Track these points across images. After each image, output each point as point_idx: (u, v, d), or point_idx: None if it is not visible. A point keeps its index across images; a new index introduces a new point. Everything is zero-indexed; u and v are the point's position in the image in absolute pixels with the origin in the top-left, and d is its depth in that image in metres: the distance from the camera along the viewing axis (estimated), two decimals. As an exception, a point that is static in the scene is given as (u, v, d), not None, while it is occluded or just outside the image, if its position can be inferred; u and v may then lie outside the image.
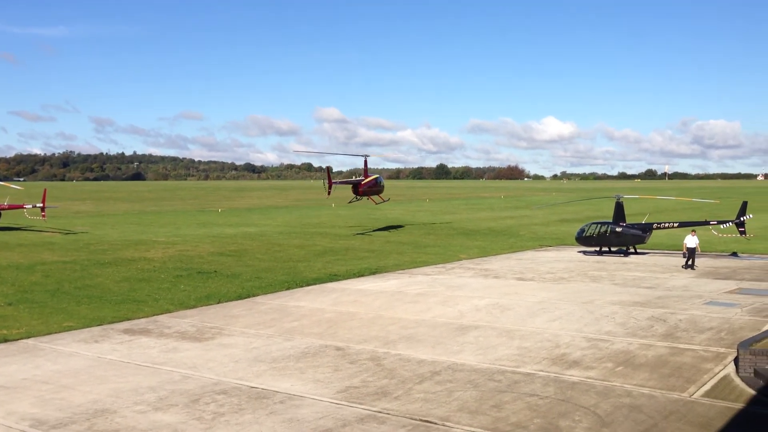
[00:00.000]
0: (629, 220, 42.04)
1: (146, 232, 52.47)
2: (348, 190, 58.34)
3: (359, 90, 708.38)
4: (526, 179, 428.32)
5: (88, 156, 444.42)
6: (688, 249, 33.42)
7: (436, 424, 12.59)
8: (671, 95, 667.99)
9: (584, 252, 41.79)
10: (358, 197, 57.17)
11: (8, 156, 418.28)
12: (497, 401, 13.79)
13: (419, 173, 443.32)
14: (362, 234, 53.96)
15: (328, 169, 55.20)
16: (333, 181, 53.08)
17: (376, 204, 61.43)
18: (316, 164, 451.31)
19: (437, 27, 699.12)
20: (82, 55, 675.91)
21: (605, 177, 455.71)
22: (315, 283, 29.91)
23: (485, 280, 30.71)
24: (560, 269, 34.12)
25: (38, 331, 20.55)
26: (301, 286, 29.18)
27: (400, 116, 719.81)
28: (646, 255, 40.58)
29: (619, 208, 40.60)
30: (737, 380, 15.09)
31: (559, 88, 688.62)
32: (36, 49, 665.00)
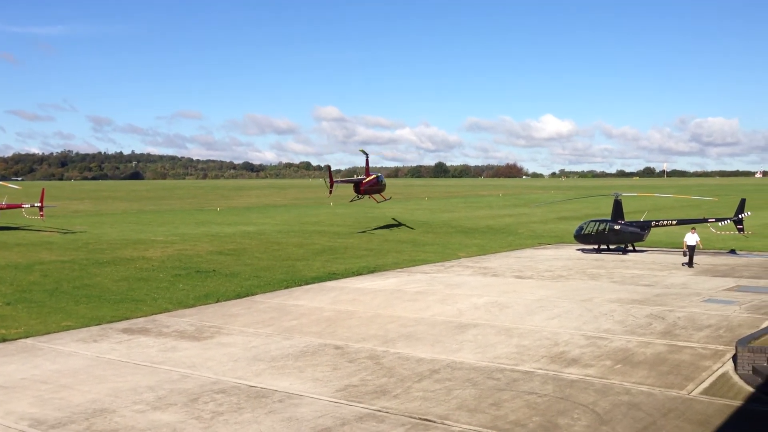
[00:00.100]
0: (628, 217, 42.06)
1: (145, 232, 52.44)
2: (348, 189, 58.33)
3: (358, 89, 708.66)
4: (524, 177, 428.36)
5: (86, 155, 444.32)
6: (689, 247, 33.43)
7: (435, 422, 12.59)
8: (669, 93, 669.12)
9: (583, 250, 41.82)
10: (360, 196, 57.21)
11: (6, 155, 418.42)
12: (496, 399, 13.80)
13: (418, 172, 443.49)
14: (361, 232, 53.96)
15: (329, 168, 55.31)
16: (334, 179, 53.15)
17: (378, 203, 61.45)
18: (314, 163, 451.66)
19: (435, 26, 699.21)
20: (80, 55, 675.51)
21: (604, 175, 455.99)
22: (314, 282, 29.91)
23: (484, 278, 30.72)
24: (559, 267, 34.14)
25: (37, 330, 20.54)
26: (300, 285, 29.18)
27: (398, 115, 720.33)
28: (645, 253, 40.62)
29: (618, 206, 40.62)
30: (736, 378, 15.11)
31: (557, 86, 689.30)
32: (34, 48, 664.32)
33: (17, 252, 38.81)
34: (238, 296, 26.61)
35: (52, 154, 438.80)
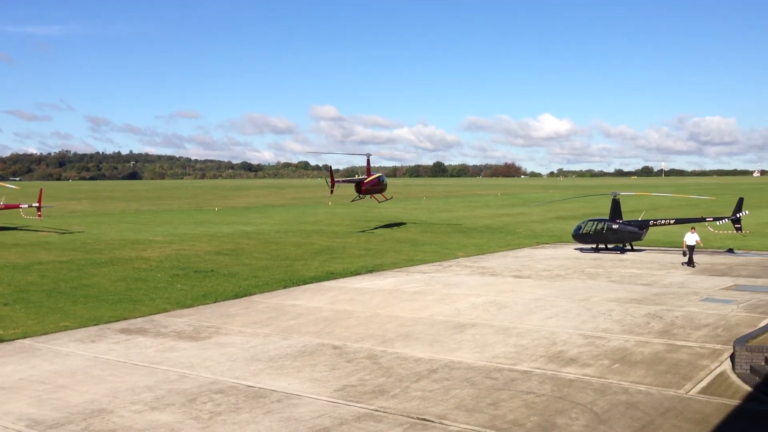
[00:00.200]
0: (626, 217, 42.08)
1: (143, 232, 52.40)
2: (348, 189, 58.41)
3: (356, 88, 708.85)
4: (522, 177, 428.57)
5: (84, 155, 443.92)
6: (688, 247, 33.41)
7: (433, 422, 12.59)
8: (667, 92, 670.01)
9: (581, 249, 41.84)
10: (361, 196, 57.38)
11: (4, 155, 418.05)
12: (494, 399, 13.81)
13: (416, 171, 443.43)
14: (359, 232, 53.95)
15: (331, 169, 55.50)
16: (336, 179, 53.28)
17: (379, 202, 61.58)
18: (312, 162, 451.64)
19: (433, 25, 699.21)
20: (78, 54, 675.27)
21: (602, 174, 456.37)
22: (312, 282, 29.90)
23: (482, 277, 30.73)
24: (557, 266, 34.16)
25: (34, 331, 20.51)
26: (298, 285, 29.17)
27: (396, 114, 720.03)
28: (643, 252, 40.65)
29: (616, 205, 40.64)
30: (733, 377, 15.13)
31: (555, 85, 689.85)
32: (31, 48, 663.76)
33: (15, 252, 38.76)
34: (237, 296, 26.60)
35: (49, 154, 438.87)
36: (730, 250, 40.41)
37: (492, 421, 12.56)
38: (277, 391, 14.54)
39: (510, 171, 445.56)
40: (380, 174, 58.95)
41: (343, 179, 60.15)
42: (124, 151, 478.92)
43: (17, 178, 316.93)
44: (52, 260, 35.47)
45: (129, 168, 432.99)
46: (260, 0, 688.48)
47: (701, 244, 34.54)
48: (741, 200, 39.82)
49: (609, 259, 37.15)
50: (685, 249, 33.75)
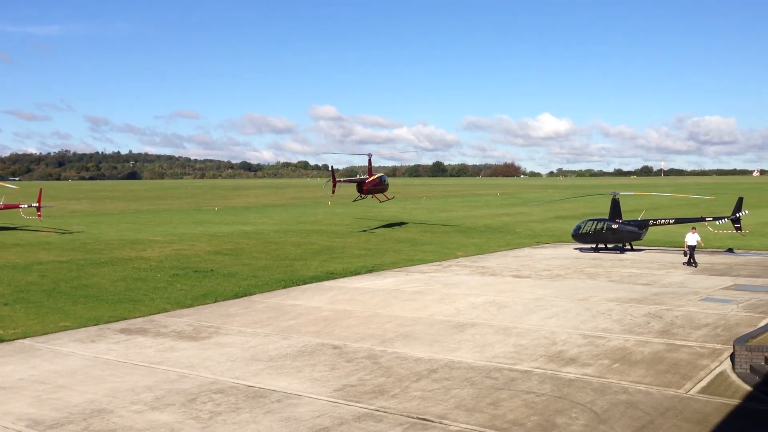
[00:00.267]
0: (625, 216, 42.10)
1: (142, 231, 52.40)
2: (348, 188, 58.49)
3: (355, 88, 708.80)
4: (522, 176, 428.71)
5: (84, 155, 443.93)
6: (689, 247, 33.40)
7: (433, 422, 12.60)
8: (666, 91, 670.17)
9: (581, 249, 41.85)
10: (363, 195, 57.52)
11: (3, 155, 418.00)
12: (494, 399, 13.81)
13: (415, 171, 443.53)
14: (359, 232, 53.95)
15: (332, 168, 55.62)
16: (337, 179, 53.37)
17: (381, 202, 61.70)
18: (312, 162, 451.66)
19: (433, 25, 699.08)
20: (77, 54, 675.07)
21: (601, 174, 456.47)
22: (312, 282, 29.90)
23: (482, 277, 30.73)
24: (557, 266, 34.16)
25: (34, 331, 20.51)
26: (298, 285, 29.17)
27: (396, 114, 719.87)
28: (643, 252, 40.66)
29: (615, 205, 40.65)
30: (733, 376, 15.14)
31: (554, 85, 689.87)
32: (31, 47, 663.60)
33: (15, 252, 38.76)
34: (236, 296, 26.60)
35: (49, 154, 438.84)
36: (730, 250, 40.42)
37: (492, 421, 12.56)
38: (277, 390, 14.54)
39: (509, 171, 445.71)
40: (382, 174, 59.09)
41: (345, 179, 60.30)
42: (124, 151, 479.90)
43: (17, 178, 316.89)
44: (51, 260, 35.47)
45: (128, 168, 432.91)
46: (260, 0, 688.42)
47: (702, 244, 34.55)
48: (740, 200, 39.82)
49: (609, 259, 37.16)
50: (686, 249, 33.73)
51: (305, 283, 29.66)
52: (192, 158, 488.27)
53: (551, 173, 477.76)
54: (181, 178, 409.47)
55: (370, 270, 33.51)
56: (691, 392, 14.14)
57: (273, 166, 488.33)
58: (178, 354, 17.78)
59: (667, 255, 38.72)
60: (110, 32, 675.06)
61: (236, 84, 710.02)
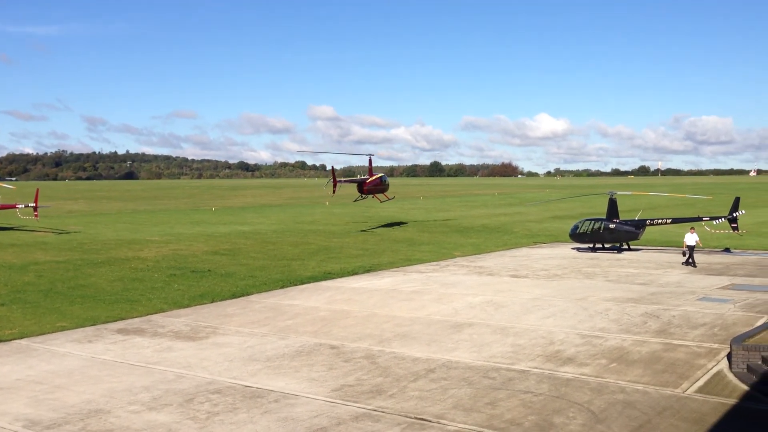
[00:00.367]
0: (622, 216, 42.15)
1: (139, 232, 52.33)
2: (347, 188, 58.54)
3: (353, 88, 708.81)
4: (519, 176, 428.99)
5: (81, 155, 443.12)
6: (688, 247, 33.43)
7: (430, 421, 12.60)
8: (664, 91, 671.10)
9: (578, 249, 41.89)
10: (363, 196, 57.63)
11: (0, 156, 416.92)
12: (492, 398, 13.81)
13: (413, 171, 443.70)
14: (356, 232, 53.95)
15: (333, 169, 55.75)
16: (338, 179, 53.42)
17: (381, 202, 61.85)
18: (309, 162, 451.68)
19: (431, 25, 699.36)
20: (75, 54, 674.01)
21: (599, 174, 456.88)
22: (309, 282, 29.89)
23: (479, 277, 30.74)
24: (554, 266, 34.19)
25: (31, 331, 20.47)
26: (296, 285, 29.15)
27: (393, 114, 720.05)
28: (640, 251, 40.71)
29: (613, 205, 40.71)
30: (730, 376, 15.16)
31: (552, 84, 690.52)
32: (28, 47, 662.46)
33: (12, 252, 38.69)
34: (234, 296, 26.58)
35: (46, 154, 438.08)
36: (727, 250, 40.49)
37: (489, 421, 12.57)
38: (275, 391, 14.53)
39: (507, 171, 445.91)
40: (382, 174, 59.26)
41: (346, 179, 60.44)
42: (121, 151, 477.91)
43: (13, 178, 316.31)
44: (48, 260, 35.41)
45: (125, 168, 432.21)
46: (258, 0, 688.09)
47: (700, 244, 34.60)
48: (737, 199, 39.87)
49: (606, 259, 37.20)
50: (685, 249, 33.74)
51: (303, 283, 29.65)
52: (189, 158, 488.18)
53: (549, 173, 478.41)
54: (179, 178, 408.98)
55: (368, 270, 33.51)
56: (688, 392, 14.16)
57: (270, 166, 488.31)
58: (175, 354, 17.76)
59: (664, 255, 38.77)
60: (108, 32, 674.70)
61: (234, 84, 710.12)
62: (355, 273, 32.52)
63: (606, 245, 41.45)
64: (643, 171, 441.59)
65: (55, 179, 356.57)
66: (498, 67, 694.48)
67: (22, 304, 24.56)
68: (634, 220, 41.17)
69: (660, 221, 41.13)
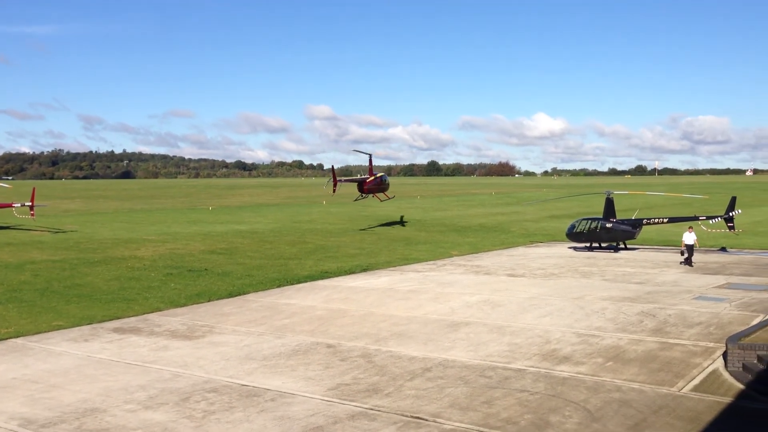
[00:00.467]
0: (619, 215, 42.21)
1: (136, 231, 52.26)
2: (345, 188, 58.53)
3: (350, 87, 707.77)
4: (516, 176, 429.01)
5: (77, 154, 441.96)
6: (687, 246, 33.48)
7: (427, 420, 12.61)
8: (660, 91, 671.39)
9: (575, 248, 41.95)
10: (364, 195, 57.70)
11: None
12: (488, 397, 13.83)
13: (410, 170, 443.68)
14: (353, 231, 53.94)
15: (333, 168, 55.75)
16: (338, 179, 53.45)
17: (381, 201, 61.96)
18: (307, 162, 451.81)
19: (428, 25, 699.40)
20: (71, 54, 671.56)
21: (596, 173, 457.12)
22: (306, 281, 29.89)
23: (476, 276, 30.77)
24: (551, 265, 34.23)
25: (27, 330, 20.44)
26: (293, 284, 29.15)
27: (390, 113, 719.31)
28: (636, 250, 40.78)
29: (610, 204, 40.78)
30: (726, 375, 15.20)
31: (549, 84, 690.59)
32: (25, 47, 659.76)
33: (8, 251, 38.61)
34: (230, 295, 26.56)
35: (42, 153, 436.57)
36: (723, 249, 40.58)
37: (486, 420, 12.58)
38: (271, 389, 14.53)
39: (504, 170, 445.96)
40: (382, 173, 59.37)
41: (346, 178, 60.50)
42: (118, 150, 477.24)
43: (10, 177, 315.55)
44: (44, 259, 35.34)
45: (122, 167, 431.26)
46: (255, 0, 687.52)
47: (697, 244, 34.66)
48: (734, 199, 39.97)
49: (602, 258, 37.26)
50: (683, 248, 33.79)
51: (300, 282, 29.65)
52: (186, 157, 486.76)
53: (546, 172, 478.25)
54: (176, 177, 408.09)
55: (365, 269, 33.52)
56: (684, 390, 14.20)
57: (267, 165, 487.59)
58: (171, 353, 17.75)
59: (661, 254, 38.84)
60: (104, 31, 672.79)
61: (231, 83, 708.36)
62: (352, 272, 32.53)
63: (603, 244, 41.52)
64: (639, 170, 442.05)
65: (51, 178, 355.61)
66: (495, 66, 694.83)
67: (18, 303, 24.52)
68: (631, 219, 41.25)
69: (656, 221, 41.21)
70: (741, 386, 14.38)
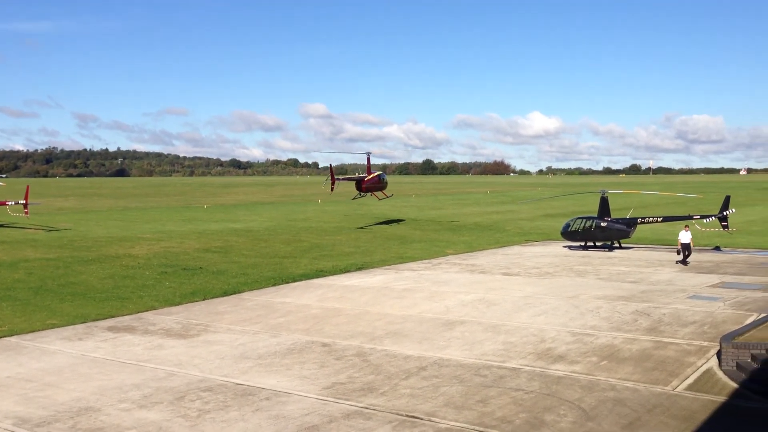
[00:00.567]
0: (614, 214, 42.32)
1: (131, 229, 52.12)
2: (342, 186, 58.49)
3: (345, 86, 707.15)
4: (511, 174, 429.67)
5: (72, 152, 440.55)
6: (683, 245, 33.55)
7: (422, 419, 12.62)
8: (655, 90, 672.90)
9: (569, 247, 42.03)
10: (362, 194, 57.71)
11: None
12: (483, 396, 13.85)
13: (405, 169, 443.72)
14: (349, 230, 53.92)
15: (331, 167, 55.75)
16: (336, 177, 53.44)
17: (380, 200, 62.05)
18: (302, 160, 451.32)
19: (423, 23, 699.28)
20: (66, 51, 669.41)
21: (590, 172, 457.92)
22: (301, 279, 29.87)
23: (471, 275, 30.79)
24: (546, 264, 34.28)
25: (21, 328, 20.37)
26: (288, 282, 29.13)
27: (386, 112, 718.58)
28: (631, 249, 40.88)
29: (604, 203, 40.88)
30: (720, 374, 15.25)
31: (544, 83, 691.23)
32: (18, 44, 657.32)
33: (1, 250, 38.45)
34: (225, 294, 26.53)
35: (36, 151, 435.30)
36: (717, 248, 40.71)
37: (481, 419, 12.60)
38: (266, 388, 14.52)
39: (499, 169, 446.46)
40: (381, 172, 59.48)
41: (344, 177, 60.46)
42: (112, 148, 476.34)
43: (3, 175, 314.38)
44: (38, 258, 35.21)
45: (117, 165, 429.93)
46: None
47: (692, 243, 34.74)
48: (728, 198, 40.10)
49: (597, 257, 37.34)
50: (679, 247, 33.86)
51: (295, 280, 29.62)
52: (181, 155, 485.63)
53: (541, 171, 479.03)
54: (170, 175, 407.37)
55: (360, 268, 33.51)
56: (678, 389, 14.24)
57: (263, 163, 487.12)
58: (166, 352, 17.72)
59: (655, 253, 38.95)
60: (99, 29, 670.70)
61: (226, 81, 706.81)
62: (347, 271, 32.52)
63: (597, 243, 41.61)
64: (634, 169, 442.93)
65: (45, 176, 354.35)
66: (490, 65, 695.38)
67: (12, 301, 24.43)
68: (626, 218, 41.35)
69: (651, 219, 41.33)
70: (735, 385, 14.43)
